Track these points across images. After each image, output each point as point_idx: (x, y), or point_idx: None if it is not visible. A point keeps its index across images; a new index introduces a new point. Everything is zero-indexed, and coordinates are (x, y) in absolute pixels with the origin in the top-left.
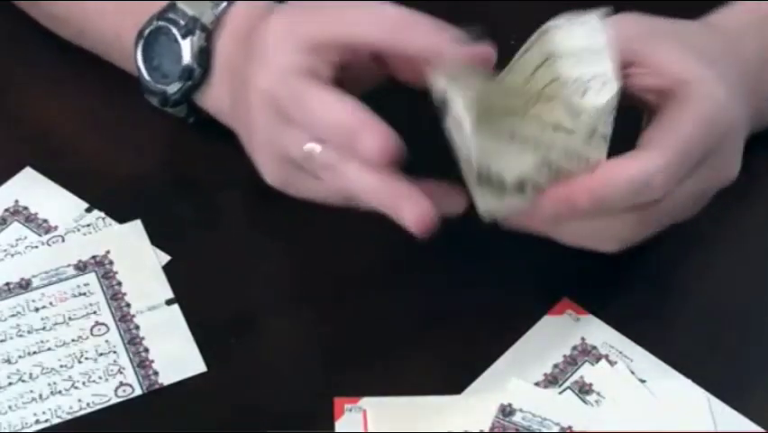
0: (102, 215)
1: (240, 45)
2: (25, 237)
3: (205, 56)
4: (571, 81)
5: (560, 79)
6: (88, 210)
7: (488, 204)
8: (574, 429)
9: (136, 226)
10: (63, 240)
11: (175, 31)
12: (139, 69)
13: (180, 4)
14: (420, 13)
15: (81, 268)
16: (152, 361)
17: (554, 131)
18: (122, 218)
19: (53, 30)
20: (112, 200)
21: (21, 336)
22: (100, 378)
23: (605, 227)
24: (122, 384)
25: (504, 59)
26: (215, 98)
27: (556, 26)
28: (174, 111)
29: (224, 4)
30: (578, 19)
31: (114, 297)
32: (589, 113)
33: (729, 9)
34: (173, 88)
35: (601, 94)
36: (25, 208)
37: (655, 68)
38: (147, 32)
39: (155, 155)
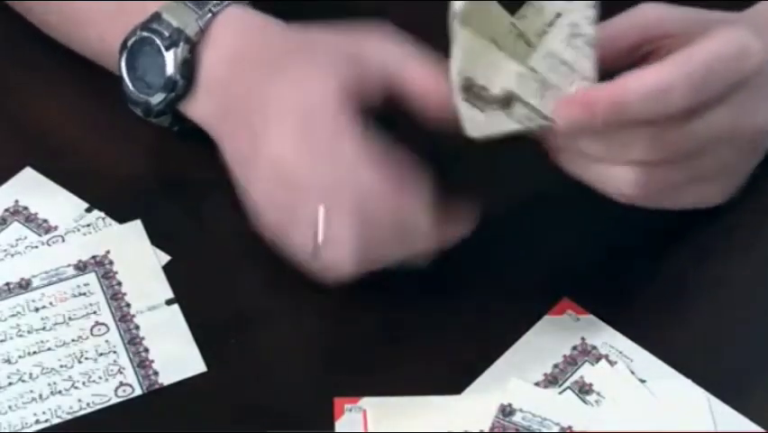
0: (102, 215)
1: (235, 65)
2: (25, 237)
3: (188, 68)
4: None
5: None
6: (88, 210)
7: (474, 118)
8: (574, 429)
9: (136, 226)
10: (63, 240)
11: (159, 42)
12: (123, 78)
13: (165, 15)
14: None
15: (81, 268)
16: (152, 361)
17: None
18: (122, 218)
19: (47, 34)
20: (112, 200)
21: (21, 336)
22: (100, 378)
23: (625, 152)
24: (122, 384)
25: None
26: (201, 110)
27: None
28: (157, 121)
29: (209, 15)
30: None
31: (114, 297)
32: (564, 6)
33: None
34: (156, 99)
35: None
36: (25, 208)
37: (680, 33)
38: (131, 42)
39: (155, 155)
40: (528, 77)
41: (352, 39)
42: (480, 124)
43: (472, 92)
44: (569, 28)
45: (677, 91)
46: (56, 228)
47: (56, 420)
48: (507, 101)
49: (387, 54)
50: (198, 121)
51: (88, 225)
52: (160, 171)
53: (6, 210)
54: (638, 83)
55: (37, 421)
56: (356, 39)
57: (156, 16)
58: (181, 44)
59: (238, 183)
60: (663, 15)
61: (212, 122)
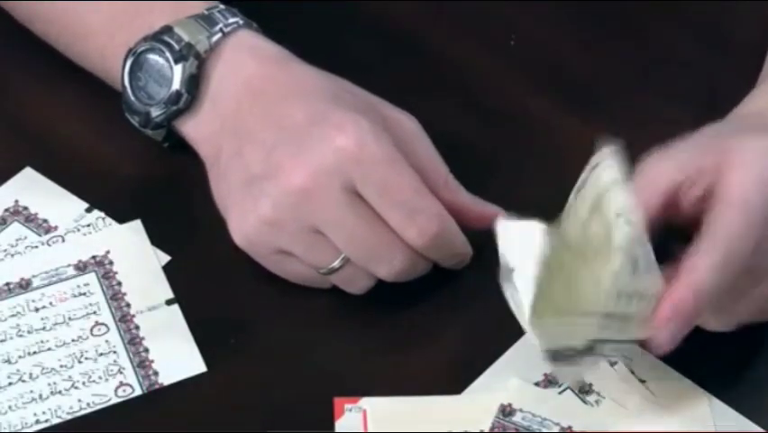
0: (102, 215)
1: (250, 93)
2: (25, 237)
3: (194, 83)
4: (614, 217)
5: (607, 229)
6: (88, 210)
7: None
8: (574, 429)
9: (136, 226)
10: (63, 240)
11: (168, 54)
12: (124, 87)
13: (176, 29)
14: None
15: (81, 268)
16: (152, 361)
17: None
18: (122, 218)
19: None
20: (112, 200)
21: (21, 336)
22: (100, 378)
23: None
24: (122, 384)
25: (506, 63)
26: (197, 127)
27: (603, 157)
28: (152, 134)
29: (219, 35)
30: (604, 155)
31: (114, 297)
32: (621, 246)
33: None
34: (156, 111)
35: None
36: (25, 208)
37: (695, 172)
38: (139, 50)
39: (155, 155)
40: (606, 322)
41: (376, 98)
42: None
43: (560, 358)
44: (630, 262)
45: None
46: (56, 228)
47: (56, 420)
48: (591, 347)
49: (407, 128)
50: (193, 138)
51: (88, 225)
52: (160, 171)
53: (6, 210)
54: (701, 265)
55: (37, 421)
56: (378, 100)
57: (167, 29)
58: (191, 59)
59: (219, 207)
60: (673, 176)
61: (207, 142)
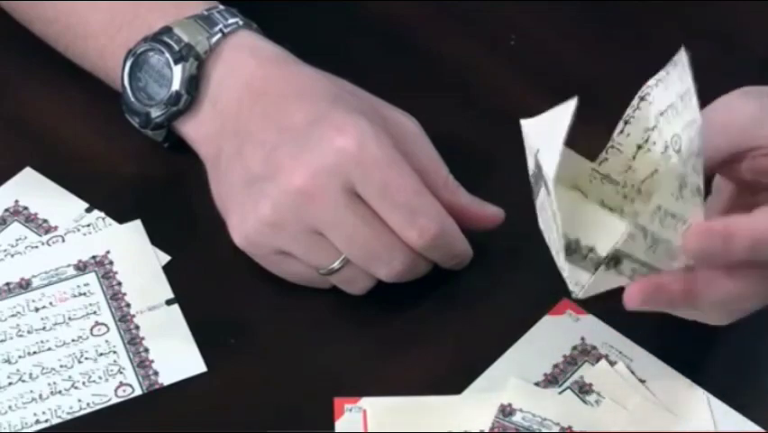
0: (102, 215)
1: (250, 93)
2: (25, 237)
3: (194, 84)
4: (664, 152)
5: (658, 172)
6: (88, 210)
7: (580, 281)
8: (574, 429)
9: (136, 226)
10: (63, 240)
11: (168, 55)
12: (124, 87)
13: (176, 30)
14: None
15: (81, 268)
16: (152, 361)
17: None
18: (122, 218)
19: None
20: (112, 200)
21: (21, 336)
22: (100, 378)
23: (737, 295)
24: (122, 384)
25: (506, 63)
26: (197, 127)
27: (651, 88)
28: (152, 134)
29: (219, 36)
30: (668, 68)
31: (114, 297)
32: (672, 161)
33: None
34: (156, 111)
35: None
36: (25, 208)
37: None
38: (139, 51)
39: (155, 155)
40: (638, 235)
41: (376, 99)
42: (586, 285)
43: (577, 253)
44: (677, 180)
45: None
46: (56, 228)
47: (56, 420)
48: (615, 259)
49: (407, 129)
50: (193, 139)
51: (88, 225)
52: (160, 171)
53: (6, 210)
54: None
55: (37, 421)
56: (378, 100)
57: (167, 30)
58: (190, 60)
59: (219, 208)
60: (753, 119)
61: (207, 142)
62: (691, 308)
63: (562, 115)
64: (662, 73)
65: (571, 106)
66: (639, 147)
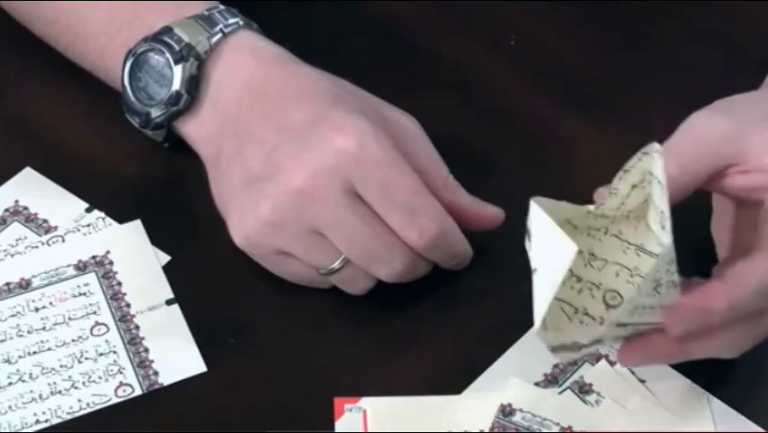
0: (102, 215)
1: (251, 93)
2: (25, 237)
3: (194, 84)
4: (658, 211)
5: (650, 201)
6: (88, 210)
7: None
8: (574, 429)
9: (136, 226)
10: (63, 240)
11: (168, 55)
12: (124, 87)
13: (176, 30)
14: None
15: (81, 268)
16: (152, 361)
17: (637, 253)
18: (122, 218)
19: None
20: (112, 200)
21: (21, 336)
22: (100, 378)
23: (731, 341)
24: (122, 384)
25: (506, 63)
26: (197, 127)
27: (658, 150)
28: (152, 134)
29: (219, 35)
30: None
31: (114, 297)
32: (664, 249)
33: None
34: (156, 111)
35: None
36: (25, 208)
37: (755, 164)
38: (139, 51)
39: (155, 155)
40: (617, 331)
41: (376, 99)
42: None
43: (561, 348)
44: (653, 283)
45: None
46: (56, 228)
47: (56, 420)
48: (599, 341)
49: (407, 129)
50: (193, 139)
51: (88, 225)
52: (160, 171)
53: (6, 210)
54: (748, 276)
55: (37, 421)
56: (378, 100)
57: (167, 30)
58: (191, 60)
59: (219, 208)
60: (723, 137)
61: (208, 142)
62: (694, 358)
63: (562, 253)
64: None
65: (571, 252)
66: (634, 186)
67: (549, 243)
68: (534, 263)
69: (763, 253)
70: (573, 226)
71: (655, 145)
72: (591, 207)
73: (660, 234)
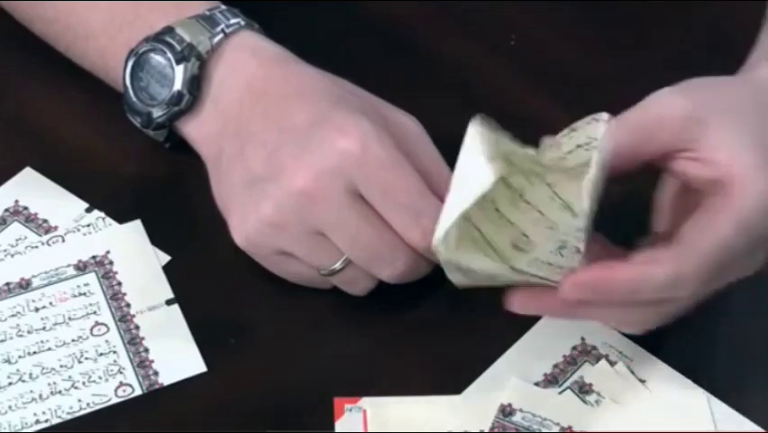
0: (102, 215)
1: (252, 94)
2: (25, 237)
3: (196, 84)
4: (590, 177)
5: (589, 165)
6: (88, 210)
7: (459, 281)
8: (574, 429)
9: (136, 226)
10: (63, 240)
11: (170, 55)
12: (126, 87)
13: (178, 30)
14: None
15: (81, 268)
16: (152, 361)
17: (561, 209)
18: (122, 218)
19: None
20: (112, 200)
21: (21, 336)
22: (100, 378)
23: (623, 314)
24: (122, 384)
25: (506, 63)
26: (199, 128)
27: (605, 119)
28: (154, 134)
29: (221, 36)
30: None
31: (114, 297)
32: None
33: None
34: (158, 111)
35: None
36: (25, 208)
37: (705, 156)
38: (141, 51)
39: (155, 155)
40: (513, 275)
41: (377, 99)
42: (465, 283)
43: (460, 270)
44: (558, 243)
45: (687, 283)
46: (56, 228)
47: (56, 420)
48: (491, 277)
49: (409, 130)
50: (194, 139)
51: (88, 225)
52: (160, 171)
53: (6, 210)
54: (654, 272)
55: (37, 421)
56: (379, 101)
57: (168, 29)
58: (192, 60)
59: (220, 208)
60: (683, 119)
61: (209, 142)
62: (581, 320)
63: (480, 178)
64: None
65: (489, 179)
66: (578, 146)
67: (472, 166)
68: (453, 179)
69: (673, 251)
70: (510, 163)
71: (604, 115)
72: (532, 152)
73: (583, 198)
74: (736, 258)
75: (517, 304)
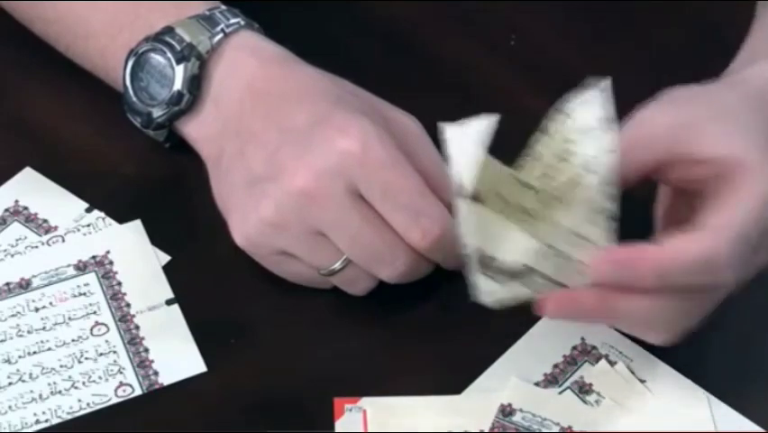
0: (102, 215)
1: (252, 94)
2: (25, 237)
3: (196, 84)
4: (583, 168)
5: (576, 187)
6: (88, 210)
7: (488, 289)
8: (574, 429)
9: (136, 226)
10: (63, 240)
11: (170, 54)
12: (126, 87)
13: (178, 30)
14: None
15: (81, 268)
16: (152, 361)
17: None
18: (122, 218)
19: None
20: (112, 200)
21: (21, 336)
22: (100, 378)
23: (658, 312)
24: (122, 384)
25: (506, 63)
26: (199, 128)
27: (573, 106)
28: (154, 134)
29: (221, 35)
30: (592, 92)
31: (114, 297)
32: (585, 186)
33: (760, 67)
34: (158, 111)
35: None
36: (25, 208)
37: (704, 156)
38: (141, 51)
39: (155, 155)
40: (546, 253)
41: (377, 99)
42: (494, 294)
43: (488, 265)
44: (591, 205)
45: (721, 260)
46: (56, 228)
47: (56, 420)
48: (523, 273)
49: (409, 130)
50: (194, 139)
51: (88, 225)
52: (160, 171)
53: (6, 210)
54: (684, 253)
55: (37, 421)
56: (380, 101)
57: (168, 29)
58: (192, 59)
59: (220, 208)
60: (673, 130)
61: (209, 142)
62: (611, 322)
63: (482, 129)
64: (586, 95)
65: (491, 120)
66: (557, 156)
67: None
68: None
69: (700, 233)
70: (504, 201)
71: (565, 107)
72: (514, 172)
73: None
74: (763, 235)
75: (552, 307)
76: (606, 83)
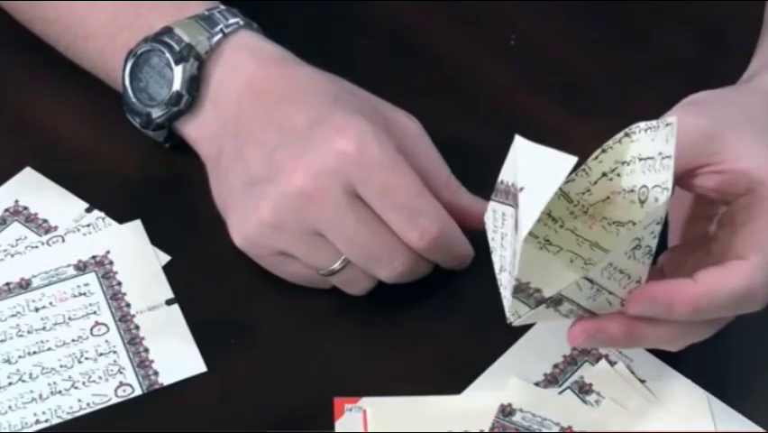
0: (102, 215)
1: (251, 94)
2: (25, 237)
3: (195, 84)
4: (628, 191)
5: (611, 198)
6: (88, 210)
7: (518, 312)
8: (574, 429)
9: (136, 226)
10: (63, 240)
11: (169, 55)
12: (125, 88)
13: (177, 30)
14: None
15: (81, 268)
16: (152, 361)
17: (591, 248)
18: (122, 218)
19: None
20: (112, 200)
21: (21, 336)
22: (100, 378)
23: (683, 336)
24: (122, 384)
25: (506, 63)
26: (198, 128)
27: (639, 130)
28: (153, 135)
29: (220, 36)
30: (660, 122)
31: (114, 297)
32: (631, 224)
33: None
34: (157, 112)
35: (651, 204)
36: (25, 208)
37: (729, 168)
38: (140, 51)
39: (155, 155)
40: (584, 285)
41: (377, 99)
42: (523, 316)
43: (524, 292)
44: (634, 242)
45: (759, 293)
46: (56, 228)
47: (56, 420)
48: (557, 301)
49: (409, 130)
50: (194, 139)
51: (88, 225)
52: (160, 171)
53: (6, 210)
54: (721, 289)
55: (37, 421)
56: (379, 101)
57: (167, 30)
58: (191, 60)
59: (219, 208)
60: (700, 136)
61: (208, 143)
62: (635, 347)
63: (558, 165)
64: (653, 123)
65: (570, 162)
66: (604, 174)
67: (541, 160)
68: (520, 183)
69: (736, 265)
70: (550, 216)
71: (633, 127)
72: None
73: (659, 193)
74: None
75: (582, 337)
76: (673, 119)
